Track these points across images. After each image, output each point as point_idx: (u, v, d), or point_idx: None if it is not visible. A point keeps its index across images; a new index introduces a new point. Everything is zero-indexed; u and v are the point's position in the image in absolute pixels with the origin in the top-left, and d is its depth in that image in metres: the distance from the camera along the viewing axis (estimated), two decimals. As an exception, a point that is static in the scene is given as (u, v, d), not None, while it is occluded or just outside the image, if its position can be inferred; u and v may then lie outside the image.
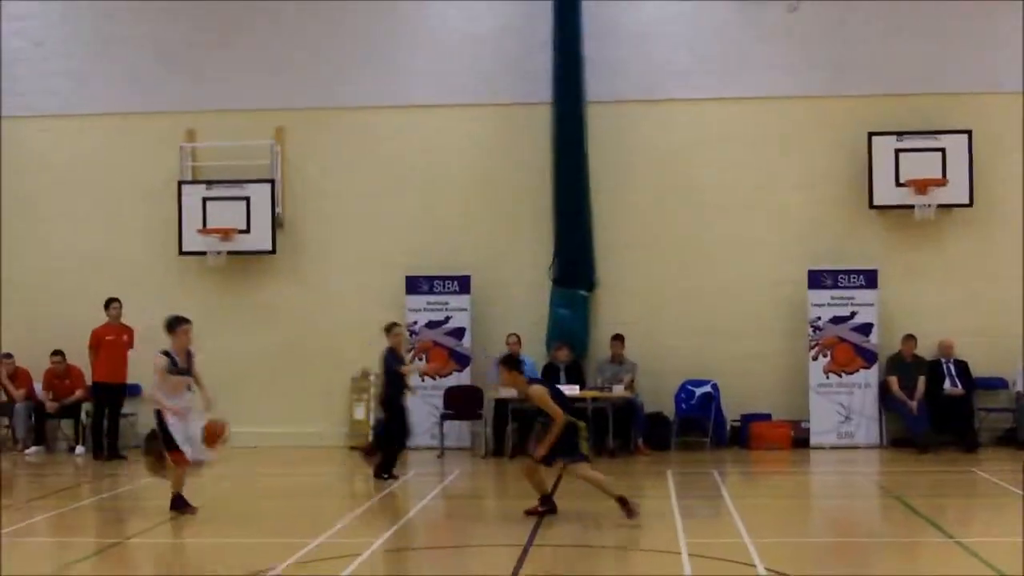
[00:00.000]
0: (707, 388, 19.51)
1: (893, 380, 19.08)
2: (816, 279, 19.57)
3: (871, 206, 19.89)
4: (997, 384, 19.40)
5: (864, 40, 20.15)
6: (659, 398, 19.63)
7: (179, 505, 13.27)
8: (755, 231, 20.12)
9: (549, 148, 20.17)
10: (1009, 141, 19.85)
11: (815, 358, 19.38)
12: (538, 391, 12.47)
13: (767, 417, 19.44)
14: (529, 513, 12.74)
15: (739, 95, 20.31)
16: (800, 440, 19.24)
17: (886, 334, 19.48)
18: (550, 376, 19.04)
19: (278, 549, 11.06)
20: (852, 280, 19.55)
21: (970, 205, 19.74)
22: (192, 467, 13.33)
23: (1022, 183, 19.80)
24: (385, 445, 16.34)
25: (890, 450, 18.91)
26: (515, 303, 20.14)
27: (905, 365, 19.18)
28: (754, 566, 10.52)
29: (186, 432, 13.15)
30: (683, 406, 19.47)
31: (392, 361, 16.19)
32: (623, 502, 12.26)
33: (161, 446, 13.19)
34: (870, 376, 19.28)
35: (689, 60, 20.27)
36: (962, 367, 19.18)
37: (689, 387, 19.50)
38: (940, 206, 19.73)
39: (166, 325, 13.54)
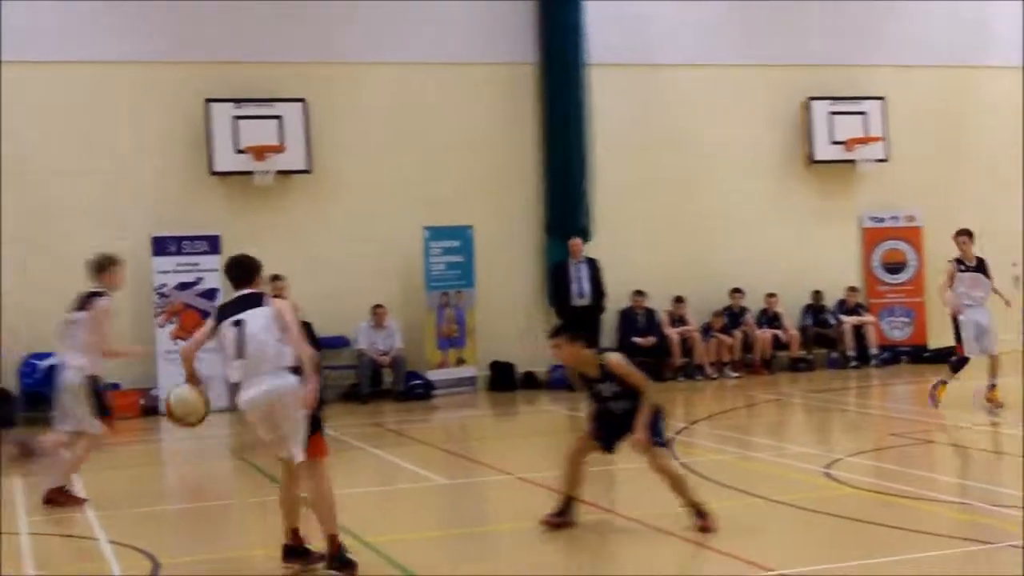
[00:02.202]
0: (53, 360, 18.79)
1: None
2: (161, 246, 19.49)
3: (212, 172, 20.03)
4: (340, 343, 20.17)
5: (201, 6, 20.20)
6: (2, 373, 18.82)
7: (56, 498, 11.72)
8: (96, 199, 19.70)
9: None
10: (342, 109, 20.65)
11: (162, 325, 19.31)
12: (617, 360, 9.81)
13: (116, 387, 19.09)
14: (550, 525, 10.00)
15: (75, 59, 19.75)
16: (150, 408, 19.09)
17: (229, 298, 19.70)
18: None
19: None
20: (196, 246, 19.65)
21: (309, 172, 20.36)
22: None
23: (355, 151, 20.73)
24: None
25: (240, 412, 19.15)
26: None
27: (247, 328, 19.52)
28: (98, 539, 10.39)
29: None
30: (27, 380, 18.79)
31: None
32: (700, 512, 9.70)
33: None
34: (219, 341, 19.47)
35: (19, 20, 19.39)
36: (307, 327, 19.75)
37: (33, 360, 18.81)
38: (280, 172, 20.21)
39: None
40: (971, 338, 15.98)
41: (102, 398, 11.84)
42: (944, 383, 16.09)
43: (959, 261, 16.28)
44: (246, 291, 9.02)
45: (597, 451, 10.07)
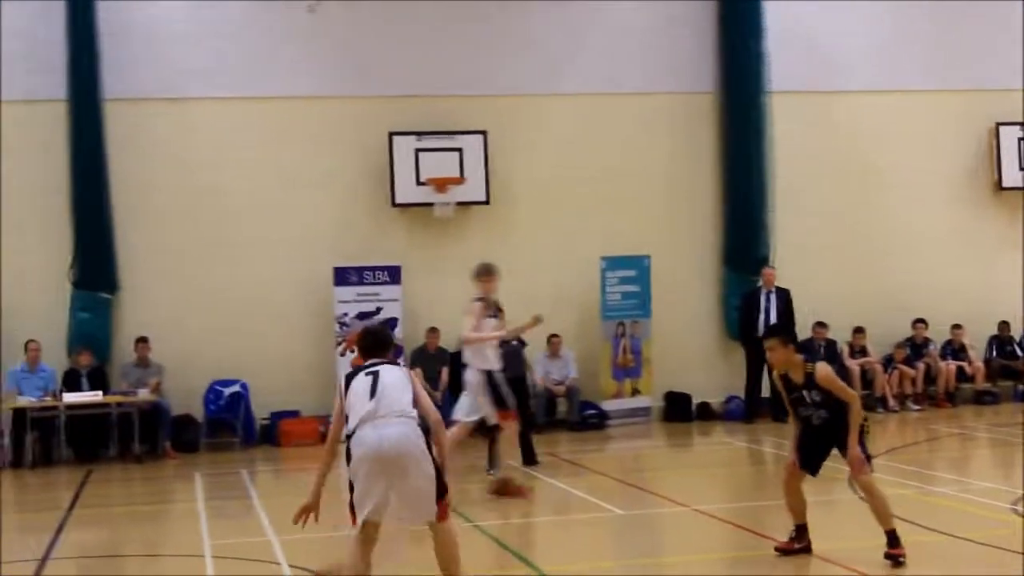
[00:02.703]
0: (236, 388, 19.42)
1: (418, 371, 19.60)
2: (342, 276, 19.83)
3: (393, 204, 20.35)
4: (515, 372, 20.22)
5: (384, 42, 20.55)
6: (187, 400, 19.33)
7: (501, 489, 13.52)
8: (281, 231, 20.13)
9: (65, 146, 19.45)
10: (521, 141, 20.79)
11: (343, 354, 19.51)
12: (826, 371, 9.86)
13: (296, 414, 19.54)
14: (783, 551, 10.15)
15: (261, 94, 20.27)
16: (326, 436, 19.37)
17: (411, 327, 19.98)
18: (72, 383, 18.45)
19: None
20: (377, 276, 19.93)
21: (487, 203, 20.54)
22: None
23: (532, 182, 20.84)
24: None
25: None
26: (34, 309, 19.22)
27: (429, 356, 19.76)
28: (279, 564, 10.60)
29: None
30: (212, 407, 19.31)
31: None
32: (893, 539, 9.67)
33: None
34: (396, 369, 19.66)
35: (208, 58, 20.01)
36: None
37: (217, 387, 19.35)
38: (459, 204, 20.42)
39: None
40: None
41: (498, 391, 13.55)
42: None
43: None
44: (378, 360, 8.59)
45: (805, 476, 10.09)
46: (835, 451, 9.92)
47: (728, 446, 18.37)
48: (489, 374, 13.58)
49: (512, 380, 15.87)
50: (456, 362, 19.86)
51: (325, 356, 19.68)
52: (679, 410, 20.74)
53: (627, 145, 21.26)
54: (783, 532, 10.30)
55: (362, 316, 19.71)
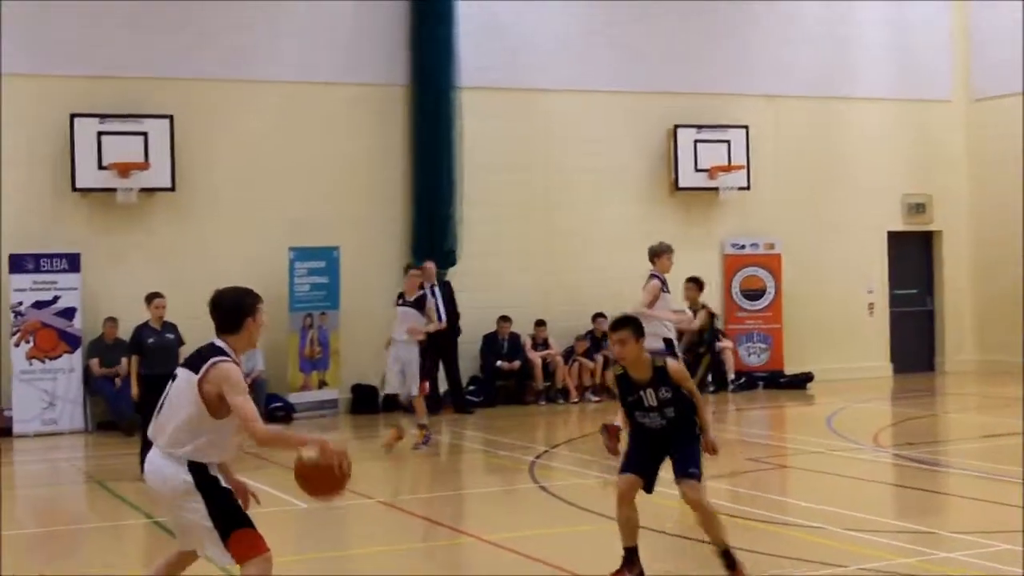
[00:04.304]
0: None
1: (95, 362, 19.05)
2: (18, 263, 19.04)
3: (74, 189, 19.65)
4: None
5: (67, 17, 19.71)
6: None
7: None
8: (-51, 216, 19.23)
9: None
10: (209, 127, 20.39)
11: (17, 344, 18.87)
12: (678, 365, 9.05)
13: (-33, 407, 18.71)
14: None
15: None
16: (3, 430, 18.63)
17: (90, 317, 19.34)
18: None
19: None
20: (55, 264, 19.21)
21: (173, 189, 20.07)
22: None
23: (221, 169, 20.48)
24: None
25: (96, 434, 18.82)
26: None
27: (107, 347, 19.20)
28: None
29: None
30: None
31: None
32: (730, 559, 8.82)
33: None
34: (74, 360, 19.04)
35: None
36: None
37: None
38: (143, 190, 19.86)
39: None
40: None
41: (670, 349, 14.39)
42: None
43: None
44: (216, 341, 7.07)
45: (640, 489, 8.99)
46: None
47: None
48: (670, 342, 14.58)
49: (158, 377, 15.62)
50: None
51: (-1, 346, 18.90)
52: (366, 402, 20.77)
53: (319, 135, 21.15)
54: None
55: (38, 305, 19.00)
